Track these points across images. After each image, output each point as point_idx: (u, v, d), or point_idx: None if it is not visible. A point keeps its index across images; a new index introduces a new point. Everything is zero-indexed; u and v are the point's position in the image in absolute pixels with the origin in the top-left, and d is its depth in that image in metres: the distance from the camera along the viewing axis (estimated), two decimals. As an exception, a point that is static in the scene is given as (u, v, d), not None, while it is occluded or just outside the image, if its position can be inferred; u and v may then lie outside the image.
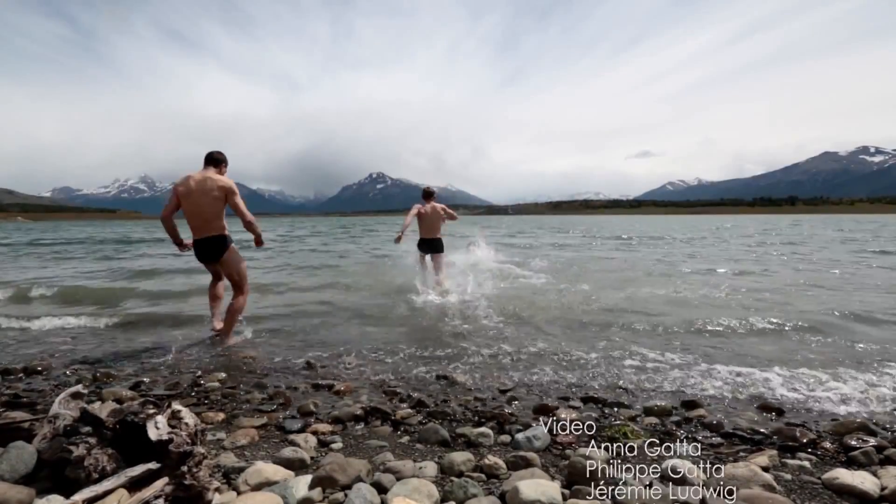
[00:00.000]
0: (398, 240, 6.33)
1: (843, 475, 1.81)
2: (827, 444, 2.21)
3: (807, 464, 2.01)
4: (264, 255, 13.62)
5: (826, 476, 1.85)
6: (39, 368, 3.53)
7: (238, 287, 4.11)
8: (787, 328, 4.56)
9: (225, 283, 4.40)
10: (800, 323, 4.70)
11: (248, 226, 3.89)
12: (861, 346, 3.99)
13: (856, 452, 2.08)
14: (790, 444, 2.22)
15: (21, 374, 3.44)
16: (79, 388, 1.88)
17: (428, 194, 6.73)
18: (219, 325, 4.28)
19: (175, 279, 8.81)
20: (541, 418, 2.57)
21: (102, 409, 1.69)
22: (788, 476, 1.90)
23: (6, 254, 15.27)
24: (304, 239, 23.52)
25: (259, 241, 4.15)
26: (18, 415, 2.24)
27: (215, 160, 3.99)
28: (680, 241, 19.37)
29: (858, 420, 2.42)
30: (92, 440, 1.55)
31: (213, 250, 3.95)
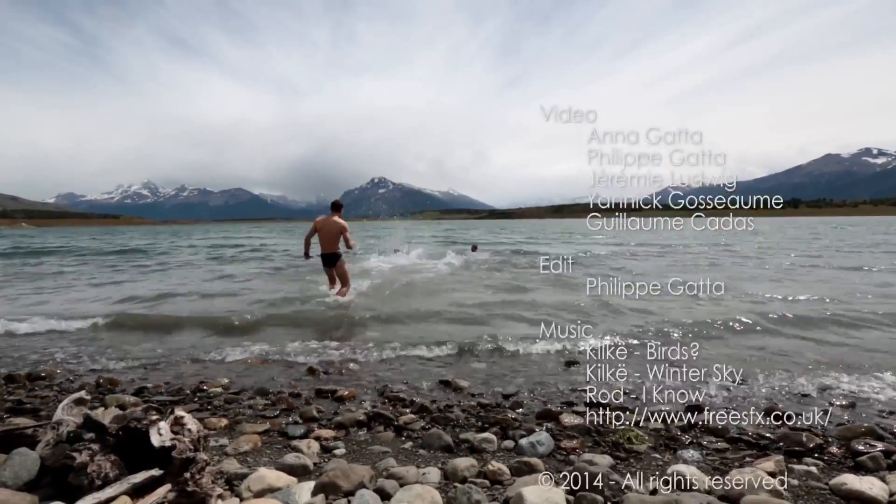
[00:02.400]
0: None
1: (851, 481, 1.79)
2: (834, 449, 2.19)
3: (814, 469, 2.00)
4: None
5: (833, 482, 1.83)
6: (43, 374, 3.54)
7: (344, 281, 6.54)
8: (794, 329, 4.53)
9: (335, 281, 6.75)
10: (812, 323, 4.67)
11: (347, 245, 6.26)
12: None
13: (863, 457, 2.06)
14: (797, 448, 2.20)
15: (25, 381, 3.45)
16: (82, 394, 1.88)
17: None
18: (335, 293, 6.48)
19: (181, 287, 8.84)
20: (545, 423, 2.56)
21: (105, 416, 1.68)
22: (795, 481, 1.89)
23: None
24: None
25: (353, 246, 6.38)
26: (22, 421, 2.25)
27: (338, 207, 6.40)
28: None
29: (866, 424, 2.40)
30: (95, 446, 1.55)
31: (333, 260, 6.44)
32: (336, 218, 6.25)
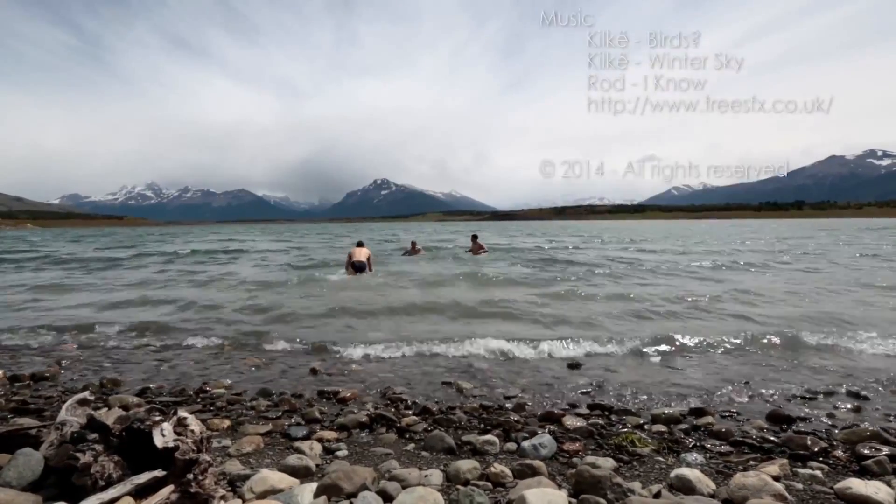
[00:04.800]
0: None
1: (857, 485, 1.78)
2: (839, 453, 2.18)
3: (818, 473, 1.98)
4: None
5: (839, 486, 1.82)
6: (47, 375, 3.56)
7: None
8: (795, 335, 4.50)
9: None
10: (811, 330, 4.65)
11: (370, 267, 9.72)
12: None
13: (869, 461, 2.05)
14: (801, 452, 2.18)
15: (29, 381, 3.47)
16: (86, 394, 1.89)
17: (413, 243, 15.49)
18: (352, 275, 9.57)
19: (181, 288, 8.87)
20: (547, 426, 2.55)
21: (109, 416, 1.69)
22: (800, 486, 1.87)
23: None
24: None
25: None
26: (26, 421, 2.26)
27: (361, 244, 10.22)
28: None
29: (871, 428, 2.38)
30: (98, 447, 1.55)
31: (362, 268, 9.60)
32: (363, 249, 10.02)
